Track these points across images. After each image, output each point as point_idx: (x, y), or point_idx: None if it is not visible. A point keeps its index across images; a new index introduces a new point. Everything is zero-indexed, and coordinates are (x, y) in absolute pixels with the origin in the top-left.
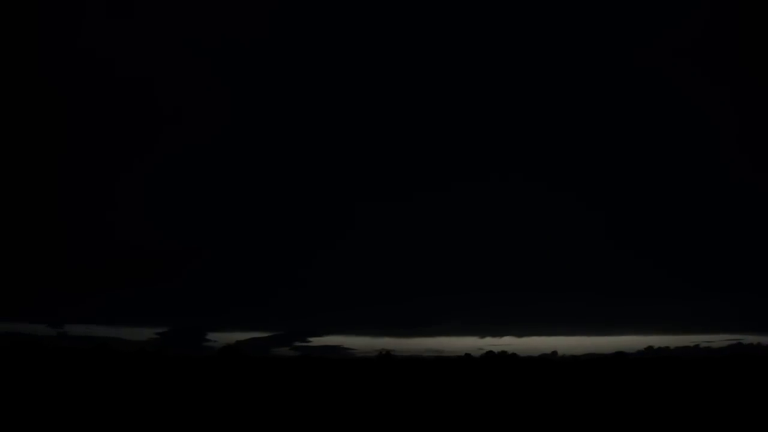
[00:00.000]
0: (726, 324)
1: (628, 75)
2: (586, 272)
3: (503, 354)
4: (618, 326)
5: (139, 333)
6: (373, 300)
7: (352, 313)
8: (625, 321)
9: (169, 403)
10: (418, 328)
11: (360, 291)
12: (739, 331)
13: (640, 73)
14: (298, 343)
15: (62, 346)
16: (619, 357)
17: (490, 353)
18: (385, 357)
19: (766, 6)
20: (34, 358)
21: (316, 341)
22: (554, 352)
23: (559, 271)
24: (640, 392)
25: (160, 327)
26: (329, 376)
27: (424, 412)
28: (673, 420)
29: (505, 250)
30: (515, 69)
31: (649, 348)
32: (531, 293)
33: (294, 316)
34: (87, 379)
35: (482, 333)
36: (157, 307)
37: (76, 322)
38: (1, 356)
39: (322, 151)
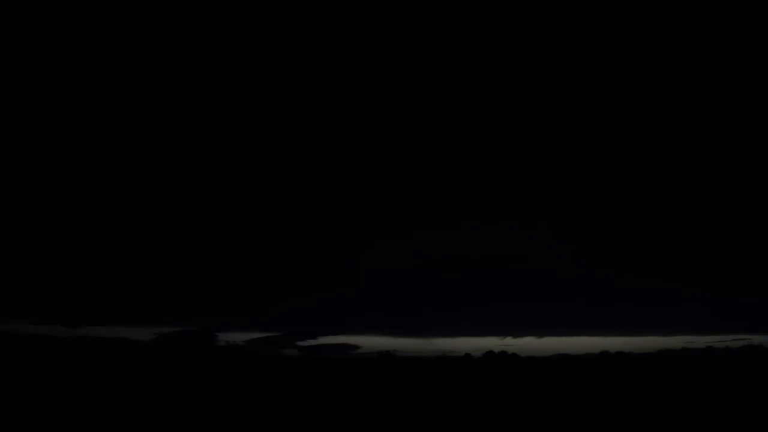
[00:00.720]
0: (736, 324)
1: None
2: (601, 274)
3: (503, 354)
4: (630, 327)
5: (144, 332)
6: (385, 298)
7: (364, 311)
8: (637, 322)
9: (170, 403)
10: (434, 328)
11: (369, 289)
12: (749, 331)
13: None
14: (304, 343)
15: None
16: (629, 358)
17: (490, 353)
18: (385, 357)
19: None
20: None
21: (328, 340)
22: (567, 354)
23: (577, 272)
24: (653, 392)
25: (165, 327)
26: (337, 375)
27: (427, 413)
28: (685, 420)
29: (529, 249)
30: None
31: (662, 350)
32: (551, 294)
33: (302, 315)
34: (90, 379)
35: (503, 333)
36: (163, 306)
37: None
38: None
39: (335, 153)
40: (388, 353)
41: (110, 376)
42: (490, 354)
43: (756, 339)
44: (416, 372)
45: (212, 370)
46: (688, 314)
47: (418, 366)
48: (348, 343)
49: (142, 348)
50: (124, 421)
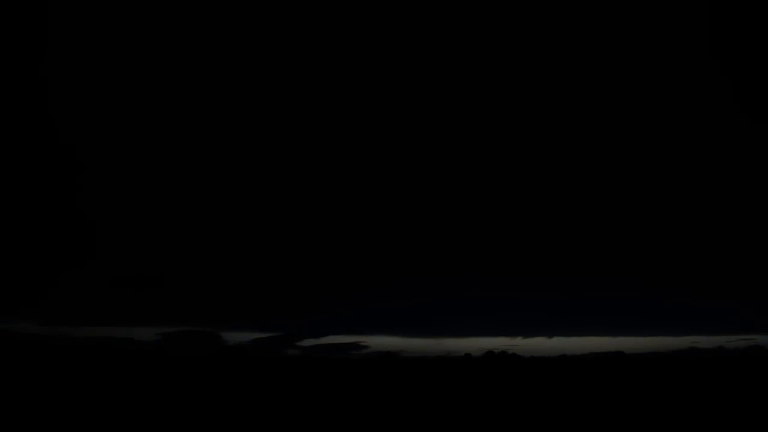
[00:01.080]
0: (743, 325)
1: None
2: (612, 275)
3: (503, 354)
4: (639, 328)
5: (146, 333)
6: (392, 297)
7: (371, 311)
8: (642, 322)
9: (173, 403)
10: (444, 328)
11: (377, 287)
12: (756, 331)
13: None
14: (310, 342)
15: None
16: (632, 358)
17: (490, 353)
18: (386, 357)
19: None
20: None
21: (337, 339)
22: (568, 355)
23: (589, 272)
24: (657, 393)
25: (168, 327)
26: (333, 376)
27: (418, 414)
28: (693, 420)
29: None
30: None
31: (671, 350)
32: (565, 293)
33: (309, 314)
34: (90, 379)
35: (513, 333)
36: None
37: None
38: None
39: (334, 151)
40: (388, 354)
41: (115, 375)
42: (489, 354)
43: (759, 339)
44: (412, 373)
45: (215, 370)
46: (696, 316)
47: (416, 367)
48: (356, 343)
49: (143, 348)
50: (128, 420)
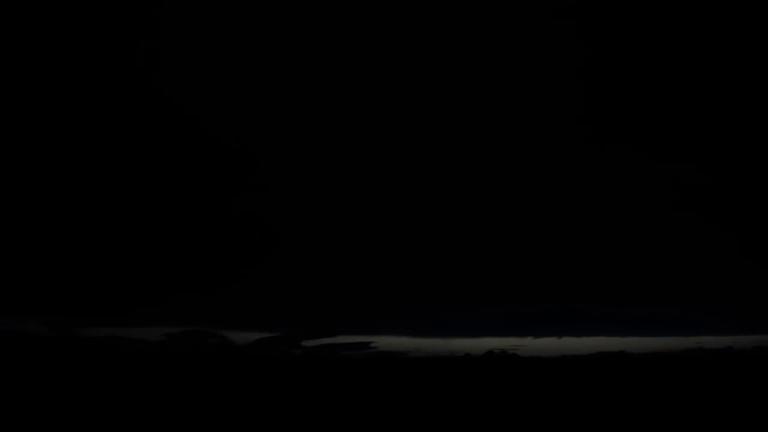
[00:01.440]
0: (751, 325)
1: None
2: (619, 276)
3: (503, 354)
4: (637, 328)
5: (148, 333)
6: (400, 298)
7: (381, 311)
8: (647, 324)
9: (174, 403)
10: (450, 328)
11: (384, 288)
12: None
13: None
14: (314, 342)
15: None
16: (636, 358)
17: (489, 353)
18: (387, 357)
19: None
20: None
21: (346, 339)
22: (580, 354)
23: (597, 274)
24: (662, 393)
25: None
26: (330, 376)
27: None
28: (700, 420)
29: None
30: None
31: (678, 350)
32: (578, 294)
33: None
34: (95, 379)
35: (523, 333)
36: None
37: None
38: None
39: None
40: (390, 354)
41: (119, 375)
42: (489, 354)
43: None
44: (409, 373)
45: (220, 370)
46: (704, 316)
47: (415, 367)
48: (364, 343)
49: (148, 348)
50: (131, 420)
